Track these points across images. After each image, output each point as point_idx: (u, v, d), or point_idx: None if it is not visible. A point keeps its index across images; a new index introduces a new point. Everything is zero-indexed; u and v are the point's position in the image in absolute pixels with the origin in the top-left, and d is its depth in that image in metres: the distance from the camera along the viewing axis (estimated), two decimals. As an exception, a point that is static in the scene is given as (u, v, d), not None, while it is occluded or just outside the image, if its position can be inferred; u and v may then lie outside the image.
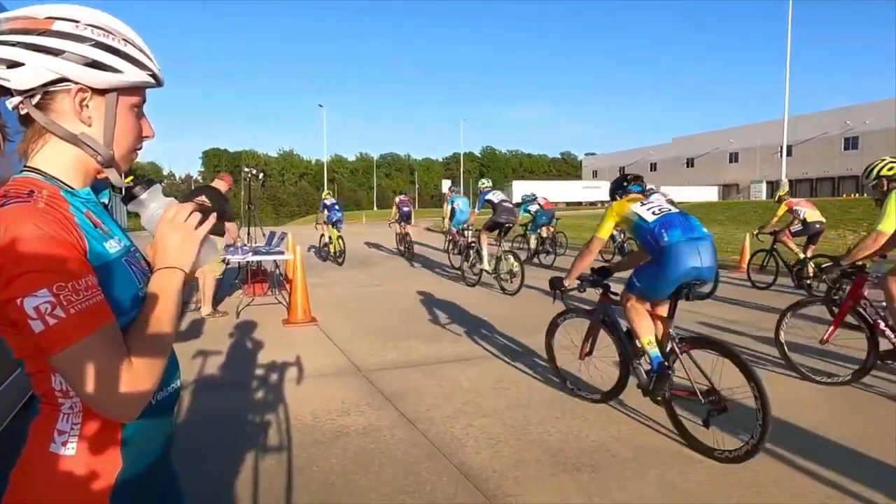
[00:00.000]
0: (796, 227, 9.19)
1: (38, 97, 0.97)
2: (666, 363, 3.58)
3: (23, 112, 0.98)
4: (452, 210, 12.29)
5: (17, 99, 0.96)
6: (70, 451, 0.95)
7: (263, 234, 9.58)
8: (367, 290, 9.90)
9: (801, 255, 9.08)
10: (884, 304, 4.46)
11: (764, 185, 49.23)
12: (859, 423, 3.81)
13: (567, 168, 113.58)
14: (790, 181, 39.20)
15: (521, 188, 65.24)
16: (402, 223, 15.01)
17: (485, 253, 9.79)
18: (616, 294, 4.03)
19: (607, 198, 4.26)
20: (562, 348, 4.53)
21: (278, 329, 6.73)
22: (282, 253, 8.33)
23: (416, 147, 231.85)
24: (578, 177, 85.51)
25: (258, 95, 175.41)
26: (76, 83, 0.96)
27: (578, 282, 4.02)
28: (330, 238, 13.70)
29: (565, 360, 4.51)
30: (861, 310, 4.54)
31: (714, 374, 3.36)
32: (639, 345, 3.76)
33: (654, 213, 3.69)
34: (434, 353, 5.62)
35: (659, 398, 3.65)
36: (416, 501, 2.83)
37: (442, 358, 5.46)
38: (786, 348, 4.90)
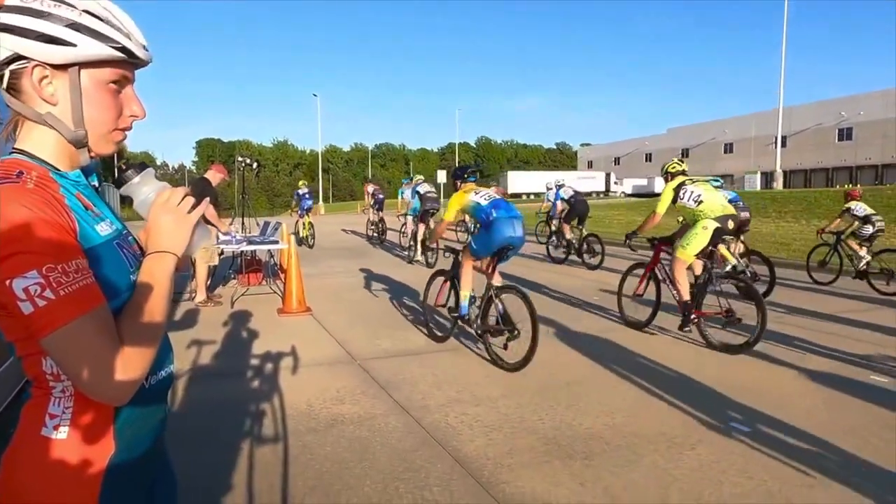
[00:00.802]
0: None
1: (6, 78, 0.94)
2: (478, 308, 5.15)
3: None
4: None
5: None
6: (62, 434, 0.95)
7: (258, 224, 9.56)
8: (361, 279, 9.89)
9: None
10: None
11: (758, 176, 49.33)
12: (849, 410, 3.85)
13: (562, 158, 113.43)
14: (784, 172, 39.29)
15: (516, 178, 65.39)
16: (377, 210, 15.98)
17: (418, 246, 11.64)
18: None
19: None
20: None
21: (273, 318, 6.73)
22: (276, 242, 8.31)
23: (412, 137, 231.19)
24: (574, 167, 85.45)
25: (253, 85, 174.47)
26: (31, 60, 0.92)
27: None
28: (302, 224, 15.05)
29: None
30: (657, 270, 6.13)
31: (517, 311, 4.70)
32: (462, 294, 5.26)
33: (485, 199, 5.06)
34: (428, 342, 5.63)
35: (477, 330, 5.13)
36: (411, 489, 2.84)
37: (436, 347, 5.47)
38: (623, 301, 6.44)
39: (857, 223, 8.73)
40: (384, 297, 8.18)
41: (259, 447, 3.32)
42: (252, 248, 8.17)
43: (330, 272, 10.75)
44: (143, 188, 1.08)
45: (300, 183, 16.17)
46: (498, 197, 5.13)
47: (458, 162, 79.71)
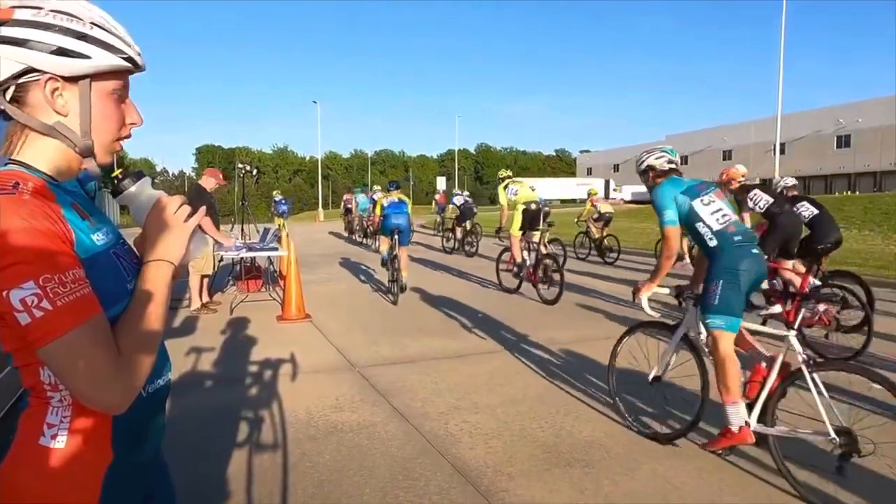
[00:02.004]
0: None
1: (11, 90, 0.94)
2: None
3: None
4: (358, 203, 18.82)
5: None
6: (60, 444, 0.95)
7: (257, 231, 9.56)
8: (360, 285, 9.90)
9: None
10: None
11: (757, 183, 49.40)
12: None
13: (561, 165, 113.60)
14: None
15: (515, 185, 65.45)
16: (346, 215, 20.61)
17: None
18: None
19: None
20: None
21: (272, 325, 6.72)
22: (276, 249, 8.31)
23: (411, 143, 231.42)
24: (573, 174, 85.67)
25: (253, 91, 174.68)
26: (45, 73, 0.94)
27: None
28: (278, 227, 17.24)
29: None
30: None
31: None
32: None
33: (390, 201, 8.50)
34: (428, 349, 5.62)
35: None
36: (410, 497, 2.83)
37: (436, 354, 5.47)
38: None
39: None
40: (383, 303, 8.17)
41: (258, 455, 3.31)
42: (252, 254, 8.17)
43: (329, 279, 10.75)
44: (140, 197, 1.08)
45: (273, 192, 20.23)
46: (396, 200, 8.57)
47: (458, 169, 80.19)
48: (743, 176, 6.61)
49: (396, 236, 8.23)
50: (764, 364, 3.17)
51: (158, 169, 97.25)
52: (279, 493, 2.89)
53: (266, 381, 4.67)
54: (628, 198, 59.54)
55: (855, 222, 17.81)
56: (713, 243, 3.29)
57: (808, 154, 52.09)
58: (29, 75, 0.93)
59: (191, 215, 1.06)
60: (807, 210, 6.23)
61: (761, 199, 6.02)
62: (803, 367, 2.91)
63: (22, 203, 0.88)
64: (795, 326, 3.07)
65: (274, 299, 8.18)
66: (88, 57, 0.95)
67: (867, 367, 2.84)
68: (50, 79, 0.94)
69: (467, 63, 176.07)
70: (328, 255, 15.37)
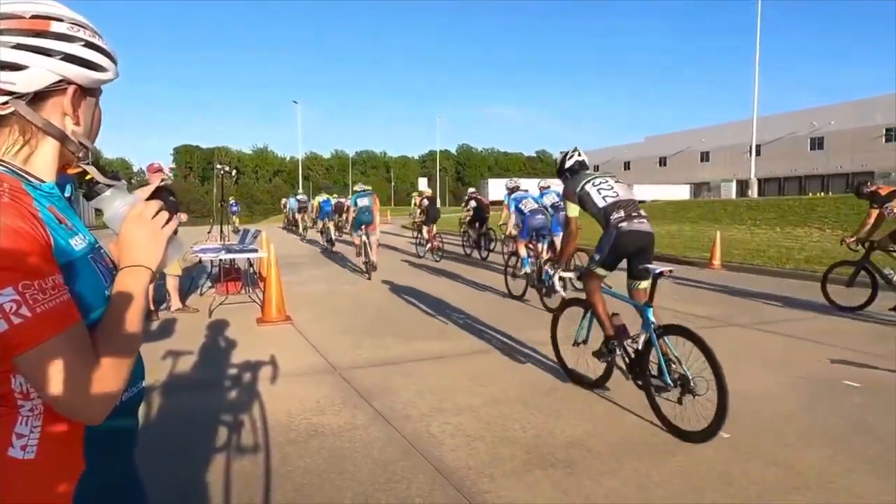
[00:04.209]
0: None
1: (28, 97, 0.95)
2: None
3: (6, 112, 0.94)
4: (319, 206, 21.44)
5: (2, 99, 0.93)
6: (30, 454, 0.92)
7: (235, 231, 9.45)
8: (342, 287, 9.84)
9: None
10: None
11: (734, 184, 50.24)
12: (825, 413, 3.91)
13: (542, 166, 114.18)
14: (759, 180, 40.06)
15: (497, 186, 65.70)
16: (325, 220, 20.49)
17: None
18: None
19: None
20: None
21: (252, 328, 6.65)
22: (255, 251, 8.23)
23: (392, 144, 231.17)
24: (554, 175, 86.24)
25: (232, 91, 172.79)
26: (74, 83, 0.97)
27: None
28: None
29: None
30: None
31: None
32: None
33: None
34: (410, 351, 5.60)
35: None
36: (392, 500, 2.81)
37: (418, 356, 5.45)
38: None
39: None
40: (365, 305, 8.13)
41: (237, 460, 3.26)
42: (230, 256, 8.08)
43: (310, 280, 10.66)
44: (115, 201, 1.05)
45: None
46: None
47: (439, 170, 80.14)
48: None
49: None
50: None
51: (135, 169, 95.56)
52: (258, 499, 2.85)
53: (246, 385, 4.61)
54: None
55: (828, 222, 18.19)
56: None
57: (783, 156, 53.13)
58: (58, 85, 0.97)
59: (168, 220, 1.04)
60: None
61: None
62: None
63: (1, 205, 0.86)
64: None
65: (254, 301, 8.09)
66: (106, 70, 1.02)
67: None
68: (76, 89, 0.99)
69: (448, 64, 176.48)
70: (306, 256, 15.26)
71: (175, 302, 7.42)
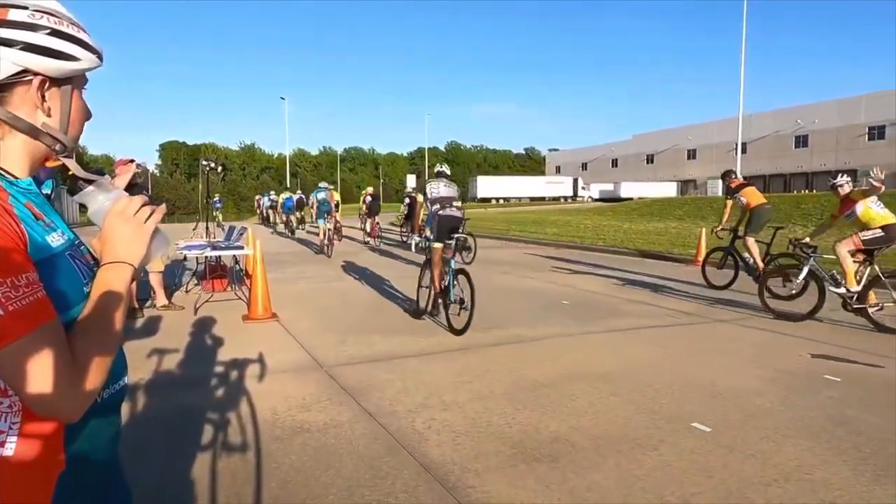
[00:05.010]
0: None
1: None
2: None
3: None
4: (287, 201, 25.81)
5: None
6: (8, 451, 0.91)
7: (221, 228, 9.39)
8: (328, 284, 9.82)
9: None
10: None
11: (720, 182, 50.71)
12: (805, 407, 3.98)
13: (531, 164, 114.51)
14: (745, 177, 40.38)
15: (485, 183, 65.78)
16: (289, 214, 24.69)
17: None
18: None
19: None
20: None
21: (238, 325, 6.62)
22: (241, 248, 8.18)
23: (381, 141, 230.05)
24: (542, 172, 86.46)
25: (219, 87, 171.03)
26: (38, 74, 0.94)
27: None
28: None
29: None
30: None
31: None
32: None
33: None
34: (396, 348, 5.61)
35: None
36: (377, 496, 2.83)
37: (404, 352, 5.46)
38: None
39: None
40: (351, 302, 8.13)
41: (221, 457, 3.26)
42: (216, 253, 8.03)
43: (298, 277, 10.63)
44: (98, 196, 1.05)
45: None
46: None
47: (427, 167, 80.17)
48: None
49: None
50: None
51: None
52: (244, 496, 2.85)
53: (231, 382, 4.59)
54: (596, 196, 60.40)
55: (812, 219, 18.43)
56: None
57: (768, 154, 53.72)
58: (20, 76, 0.93)
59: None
60: None
61: None
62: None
63: None
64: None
65: (240, 298, 8.06)
66: (78, 59, 0.97)
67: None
68: (42, 80, 0.95)
69: (438, 62, 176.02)
70: (290, 253, 15.20)
71: (160, 298, 7.38)
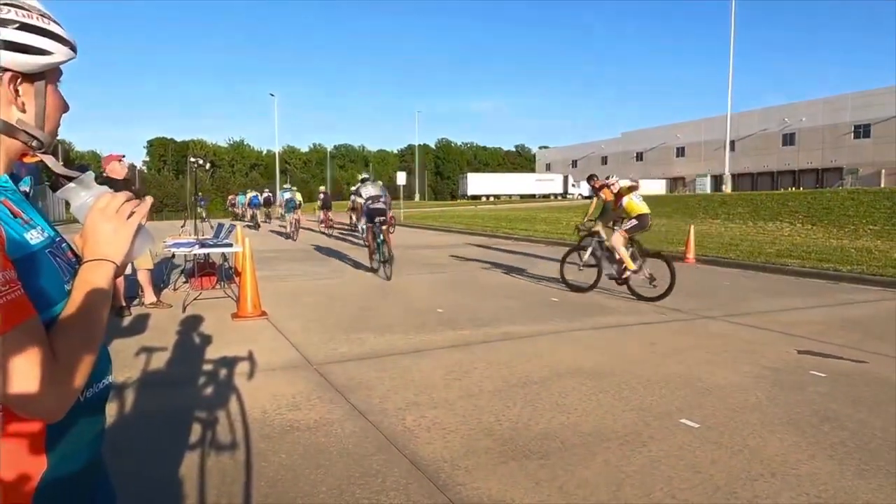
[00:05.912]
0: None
1: None
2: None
3: None
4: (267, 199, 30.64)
5: None
6: (-11, 452, 0.90)
7: (210, 226, 9.33)
8: (318, 282, 9.79)
9: None
10: None
11: (708, 179, 51.06)
12: (791, 403, 4.03)
13: (521, 161, 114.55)
14: (732, 175, 40.75)
15: (475, 180, 65.85)
16: (263, 208, 29.14)
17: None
18: None
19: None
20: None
21: (227, 323, 6.58)
22: (230, 245, 8.13)
23: (371, 138, 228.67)
24: (532, 169, 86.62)
25: (208, 83, 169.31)
26: (7, 70, 0.91)
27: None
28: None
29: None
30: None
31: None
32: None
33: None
34: (386, 346, 5.60)
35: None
36: (367, 494, 2.82)
37: (394, 350, 5.45)
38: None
39: None
40: (341, 300, 8.10)
41: (210, 457, 3.24)
42: (205, 251, 7.97)
43: (287, 274, 10.58)
44: (81, 192, 1.03)
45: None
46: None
47: (417, 164, 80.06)
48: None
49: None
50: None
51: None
52: (233, 495, 2.83)
53: (220, 381, 4.57)
54: (586, 193, 60.57)
55: (799, 217, 18.62)
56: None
57: (756, 151, 54.14)
58: None
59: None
60: None
61: None
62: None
63: None
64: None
65: (229, 296, 8.01)
66: (50, 53, 0.95)
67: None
68: (13, 76, 0.93)
69: (428, 59, 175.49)
70: (277, 251, 15.13)
71: (149, 296, 7.31)
